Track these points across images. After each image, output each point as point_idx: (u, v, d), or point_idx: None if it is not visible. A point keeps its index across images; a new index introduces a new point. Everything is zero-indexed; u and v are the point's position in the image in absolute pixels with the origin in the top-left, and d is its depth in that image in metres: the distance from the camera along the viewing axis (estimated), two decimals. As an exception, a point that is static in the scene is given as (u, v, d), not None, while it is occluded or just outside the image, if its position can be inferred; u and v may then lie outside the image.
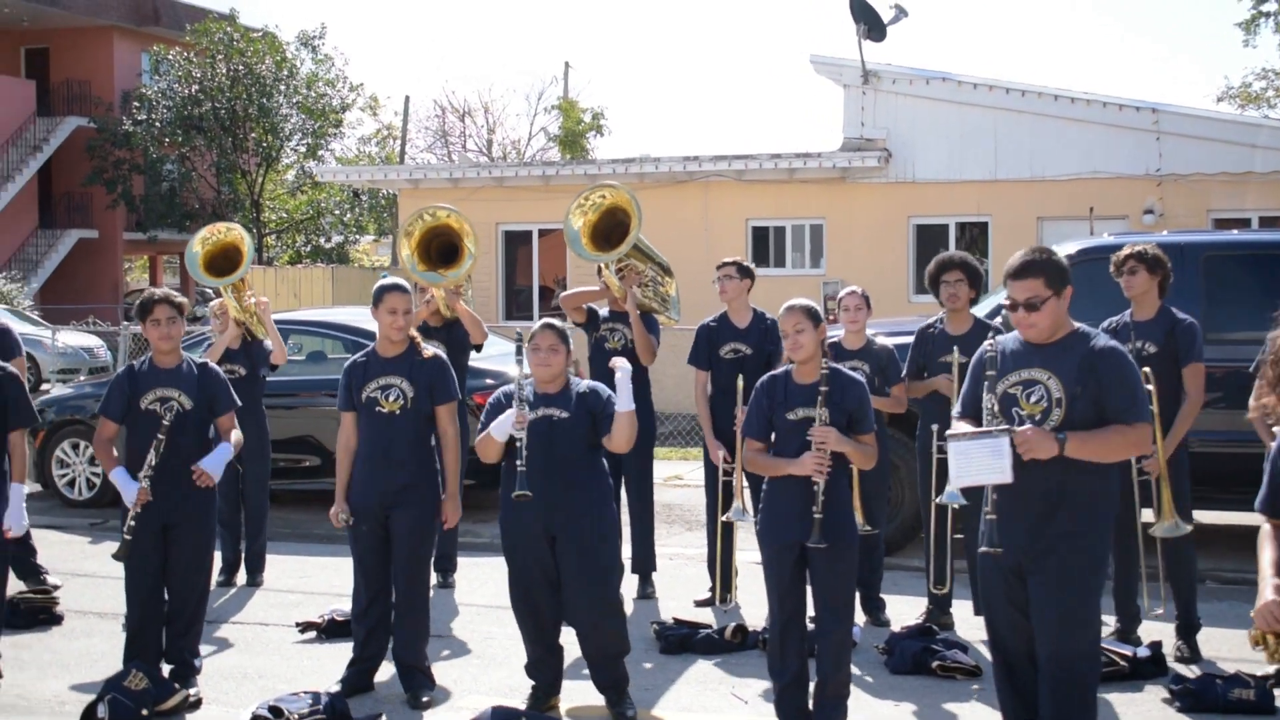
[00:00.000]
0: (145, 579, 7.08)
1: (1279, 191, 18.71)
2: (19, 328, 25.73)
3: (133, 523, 6.94)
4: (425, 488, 7.12)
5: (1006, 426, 5.33)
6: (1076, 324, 5.47)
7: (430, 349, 7.27)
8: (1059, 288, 5.36)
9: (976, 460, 5.36)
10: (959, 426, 5.56)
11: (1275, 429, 5.98)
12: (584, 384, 6.72)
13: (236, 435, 7.31)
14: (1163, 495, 7.41)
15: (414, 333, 7.24)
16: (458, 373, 9.34)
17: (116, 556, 7.05)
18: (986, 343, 5.62)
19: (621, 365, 6.53)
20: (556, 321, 6.73)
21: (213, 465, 7.11)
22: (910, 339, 8.46)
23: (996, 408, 5.40)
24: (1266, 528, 4.73)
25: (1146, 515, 7.59)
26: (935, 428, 7.92)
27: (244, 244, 9.84)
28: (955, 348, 7.93)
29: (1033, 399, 5.36)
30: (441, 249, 9.25)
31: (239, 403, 7.52)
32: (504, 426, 6.48)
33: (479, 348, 9.45)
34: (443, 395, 7.16)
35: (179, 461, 7.03)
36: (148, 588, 7.09)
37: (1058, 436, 5.19)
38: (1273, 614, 4.45)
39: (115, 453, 7.14)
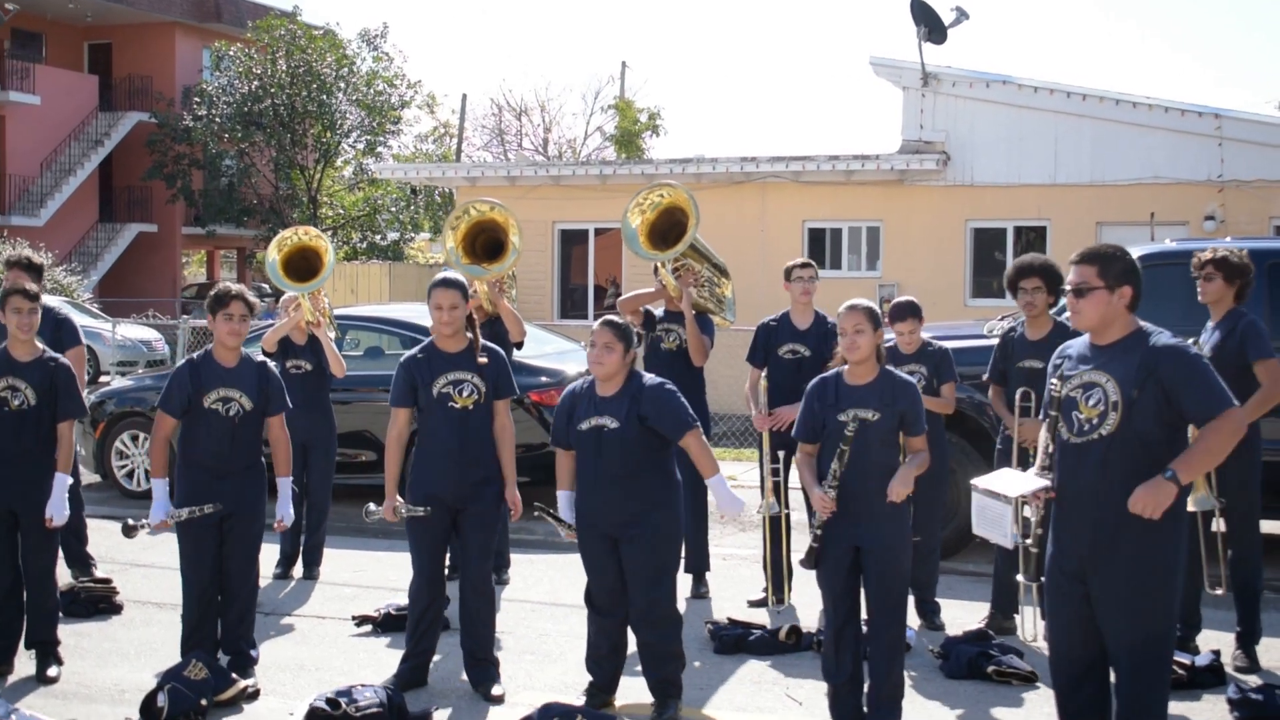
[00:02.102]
0: (202, 570, 7.16)
1: (1343, 198, 18.49)
2: (80, 321, 26.19)
3: (147, 526, 7.08)
4: (498, 482, 7.17)
5: (1011, 497, 5.55)
6: (1141, 323, 5.37)
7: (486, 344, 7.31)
8: (1113, 283, 5.27)
9: (988, 516, 5.77)
10: (990, 477, 5.82)
11: None
12: (647, 380, 6.62)
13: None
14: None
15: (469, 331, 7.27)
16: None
17: (125, 532, 7.19)
18: (1059, 349, 5.61)
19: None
20: (617, 318, 6.71)
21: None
22: (964, 344, 8.42)
23: (1058, 416, 5.39)
24: None
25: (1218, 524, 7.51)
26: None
27: (325, 251, 9.81)
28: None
29: (1091, 402, 5.30)
30: (487, 244, 9.26)
31: (290, 405, 7.56)
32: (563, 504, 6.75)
33: (519, 345, 9.47)
34: (506, 389, 7.22)
35: (236, 458, 7.11)
36: (205, 579, 7.17)
37: (1166, 476, 5.07)
38: None
39: (167, 455, 7.21)
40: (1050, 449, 5.42)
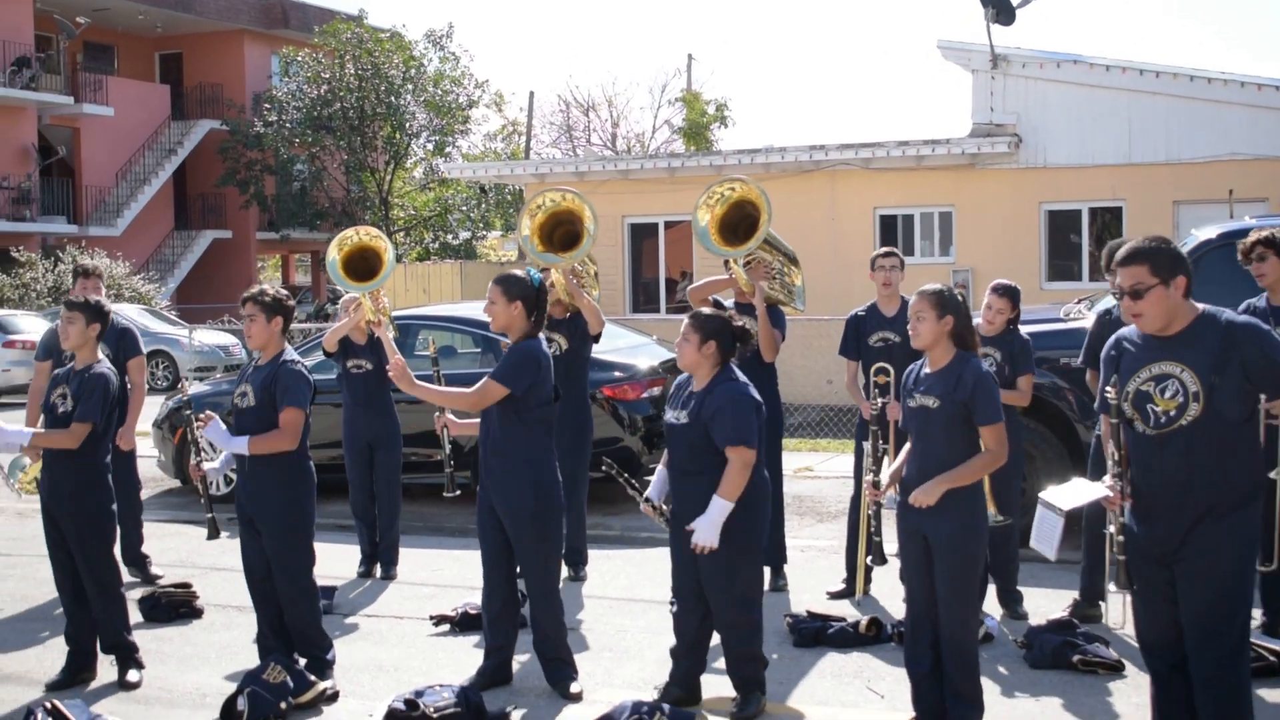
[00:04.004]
0: (254, 572, 7.24)
1: None
2: (157, 327, 26.58)
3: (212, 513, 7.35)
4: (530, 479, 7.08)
5: (1063, 510, 5.56)
6: (1202, 306, 5.22)
7: (507, 340, 7.15)
8: (1167, 276, 5.13)
9: (1044, 529, 5.81)
10: (1056, 488, 5.82)
11: None
12: (730, 382, 6.48)
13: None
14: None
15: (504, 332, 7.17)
16: (581, 364, 9.37)
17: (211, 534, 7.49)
18: (1111, 339, 5.47)
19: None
20: (706, 310, 6.65)
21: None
22: (1041, 327, 8.27)
23: (1132, 411, 5.25)
24: None
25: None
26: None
27: (384, 250, 9.80)
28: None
29: (1167, 394, 5.15)
30: (565, 237, 9.21)
31: (303, 406, 7.16)
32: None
33: (597, 338, 9.43)
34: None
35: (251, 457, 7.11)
36: (257, 580, 7.25)
37: None
38: None
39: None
40: (1116, 454, 5.28)
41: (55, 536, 7.34)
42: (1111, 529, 5.37)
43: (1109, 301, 8.30)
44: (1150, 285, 5.13)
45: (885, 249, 8.97)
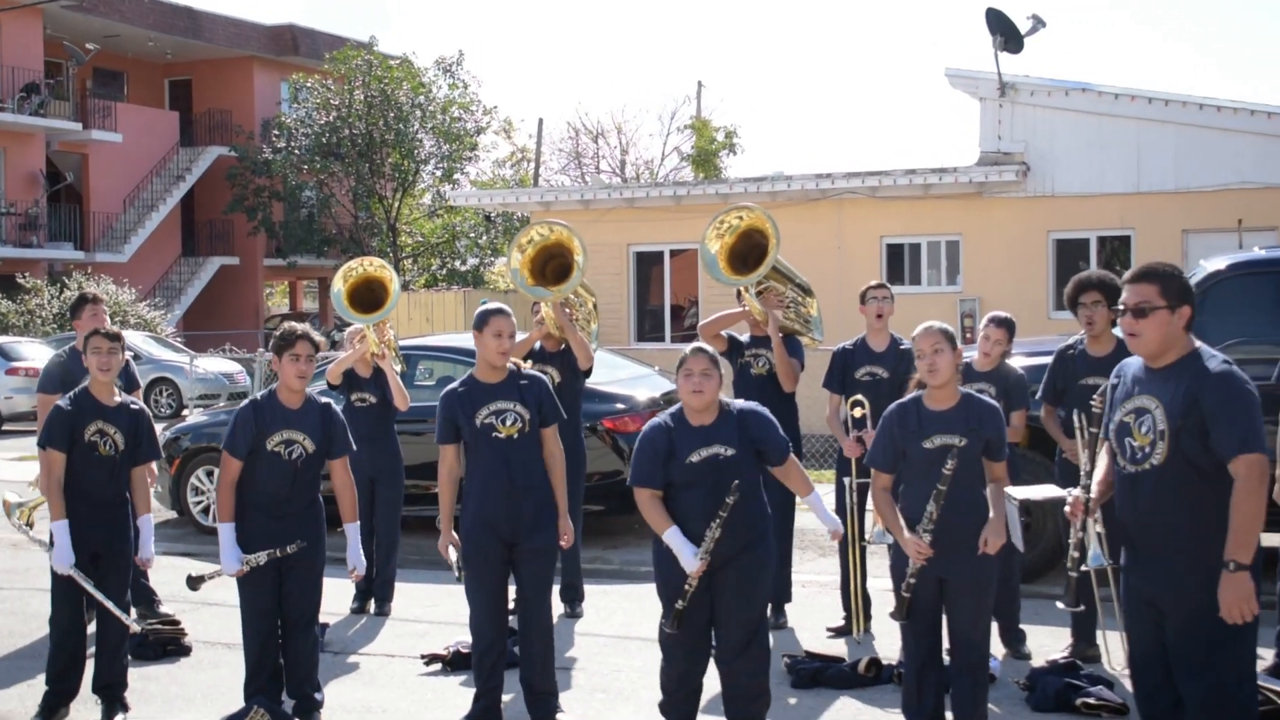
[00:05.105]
0: (262, 611, 7.02)
1: None
2: (162, 354, 26.51)
3: (212, 578, 7.01)
4: (553, 512, 6.98)
5: (1017, 499, 5.71)
6: (1198, 344, 5.10)
7: (529, 368, 7.11)
8: (1174, 303, 5.01)
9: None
10: (1024, 489, 5.87)
11: None
12: (736, 404, 6.35)
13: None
14: None
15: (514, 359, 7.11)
16: (573, 397, 9.19)
17: (190, 584, 7.23)
18: (1116, 368, 5.36)
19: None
20: (708, 346, 6.40)
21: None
22: (1048, 360, 8.13)
23: (1115, 442, 5.15)
24: None
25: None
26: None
27: (390, 281, 9.69)
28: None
29: (1143, 429, 5.04)
30: (558, 270, 9.09)
31: (354, 448, 7.39)
32: (679, 553, 6.07)
33: (588, 373, 9.27)
34: (552, 416, 7.00)
35: (296, 499, 7.00)
36: (265, 620, 7.03)
37: (1231, 570, 4.79)
38: None
39: (234, 499, 7.01)
40: (1087, 467, 5.19)
41: (83, 567, 7.13)
42: (1069, 542, 5.35)
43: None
44: (1157, 306, 5.02)
45: (876, 282, 8.88)
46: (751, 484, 6.18)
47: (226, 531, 6.92)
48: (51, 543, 7.02)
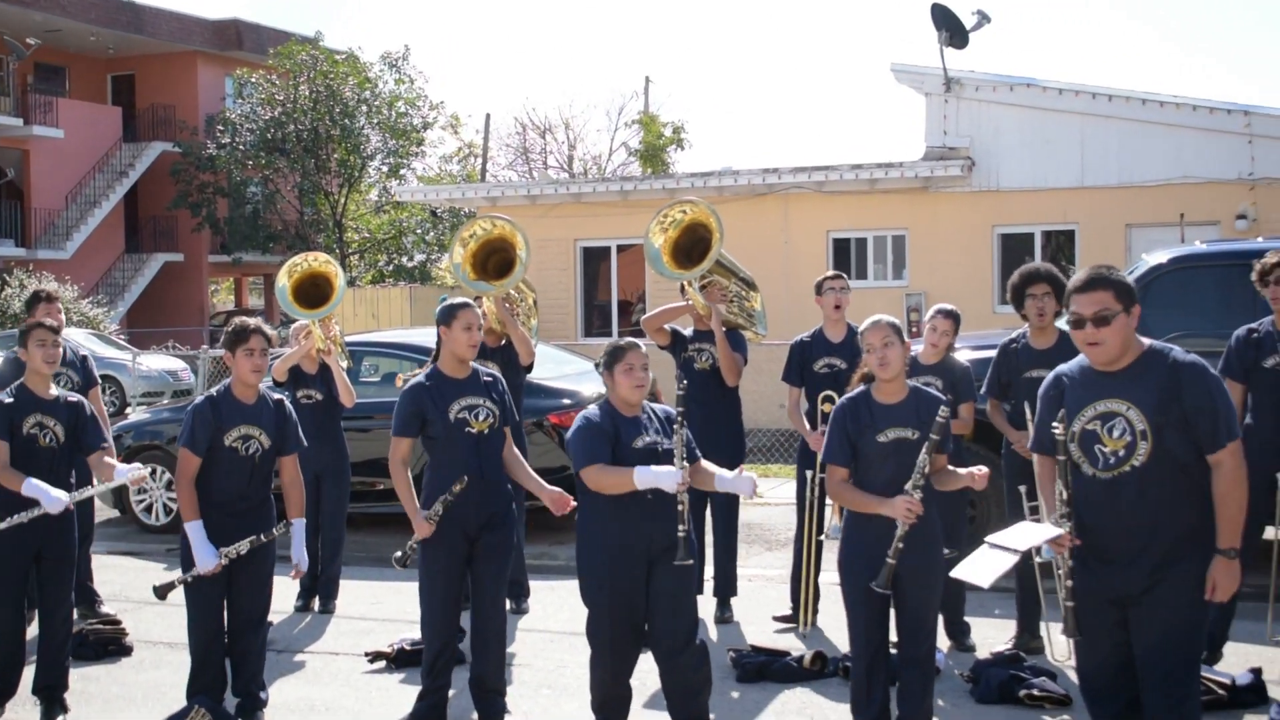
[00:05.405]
0: (210, 610, 6.92)
1: (1378, 194, 18.12)
2: (105, 352, 26.23)
3: (189, 580, 6.82)
4: (511, 510, 7.00)
5: (1020, 550, 5.25)
6: (1148, 341, 5.13)
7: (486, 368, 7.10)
8: (1128, 304, 5.04)
9: (983, 563, 5.40)
10: (1003, 533, 5.47)
11: None
12: (657, 407, 6.45)
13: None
14: None
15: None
16: (515, 392, 9.15)
17: (158, 594, 7.01)
18: (1050, 375, 5.34)
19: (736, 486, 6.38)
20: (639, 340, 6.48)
21: (299, 554, 7.17)
22: (994, 353, 8.16)
23: (1078, 452, 5.12)
24: None
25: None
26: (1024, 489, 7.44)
27: (335, 276, 9.65)
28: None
29: (1115, 434, 5.03)
30: (500, 265, 9.06)
31: (305, 444, 7.34)
32: (658, 480, 6.05)
33: (529, 368, 9.24)
34: (512, 416, 7.04)
35: (253, 495, 6.93)
36: (212, 618, 6.93)
37: (1229, 556, 4.93)
38: None
39: (196, 496, 6.88)
40: (1064, 494, 5.14)
41: (25, 567, 7.06)
42: (1060, 573, 5.23)
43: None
44: (1116, 312, 5.03)
45: (833, 272, 8.84)
46: None
47: (196, 529, 6.79)
48: None
